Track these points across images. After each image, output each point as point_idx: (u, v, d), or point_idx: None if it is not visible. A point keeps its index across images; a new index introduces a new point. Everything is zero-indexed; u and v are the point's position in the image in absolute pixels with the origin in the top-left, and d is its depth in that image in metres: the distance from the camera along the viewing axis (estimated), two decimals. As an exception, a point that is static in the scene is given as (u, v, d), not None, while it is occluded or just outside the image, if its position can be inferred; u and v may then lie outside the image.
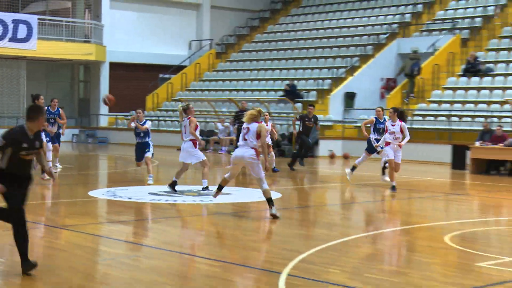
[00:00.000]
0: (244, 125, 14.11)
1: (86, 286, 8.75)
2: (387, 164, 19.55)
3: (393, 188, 18.58)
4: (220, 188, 14.55)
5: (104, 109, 43.20)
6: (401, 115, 18.72)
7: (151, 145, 19.61)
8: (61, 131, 21.56)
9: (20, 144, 8.87)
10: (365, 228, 12.51)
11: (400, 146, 18.45)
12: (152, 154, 19.72)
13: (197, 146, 17.51)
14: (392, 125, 18.40)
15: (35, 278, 9.00)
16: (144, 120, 19.46)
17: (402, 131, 18.32)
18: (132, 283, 8.93)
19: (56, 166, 22.08)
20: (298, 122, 25.72)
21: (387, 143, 18.48)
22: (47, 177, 18.68)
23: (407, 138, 18.42)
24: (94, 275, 9.45)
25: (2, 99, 40.35)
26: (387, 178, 19.35)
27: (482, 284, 8.97)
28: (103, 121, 43.26)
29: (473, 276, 9.43)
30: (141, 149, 19.60)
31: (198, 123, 17.40)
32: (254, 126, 13.85)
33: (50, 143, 20.75)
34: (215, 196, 14.81)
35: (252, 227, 13.83)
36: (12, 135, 8.92)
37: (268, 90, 38.24)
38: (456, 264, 10.31)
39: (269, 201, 13.64)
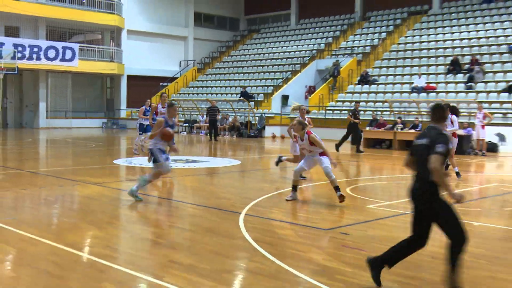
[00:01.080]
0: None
1: (113, 223, 8.67)
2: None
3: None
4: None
5: (123, 105, 42.81)
6: (453, 110, 14.61)
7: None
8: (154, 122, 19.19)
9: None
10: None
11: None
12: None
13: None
14: None
15: (77, 217, 8.86)
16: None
17: (452, 123, 14.61)
18: (143, 220, 8.89)
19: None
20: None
21: None
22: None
23: (456, 128, 14.81)
24: (118, 216, 9.35)
25: (55, 100, 39.99)
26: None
27: (371, 219, 9.04)
28: (123, 114, 42.74)
29: (365, 214, 9.52)
30: None
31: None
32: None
33: (143, 133, 19.05)
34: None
35: (221, 183, 13.80)
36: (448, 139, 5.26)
37: (231, 94, 38.07)
38: (354, 206, 10.38)
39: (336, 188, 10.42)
